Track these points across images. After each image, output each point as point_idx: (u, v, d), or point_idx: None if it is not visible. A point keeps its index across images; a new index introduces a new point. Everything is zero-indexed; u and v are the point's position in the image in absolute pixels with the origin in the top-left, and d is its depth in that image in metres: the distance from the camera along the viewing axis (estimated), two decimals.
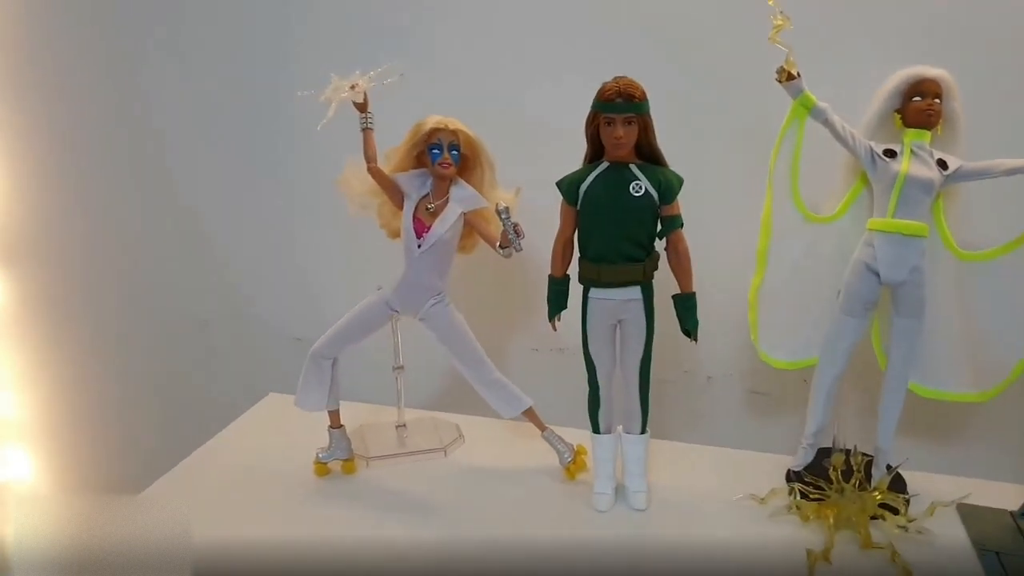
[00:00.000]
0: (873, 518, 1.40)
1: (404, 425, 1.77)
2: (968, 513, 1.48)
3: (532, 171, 1.51)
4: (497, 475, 1.64)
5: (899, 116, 1.45)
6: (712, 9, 1.65)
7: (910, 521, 1.39)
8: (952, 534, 1.43)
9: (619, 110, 1.33)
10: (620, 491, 1.54)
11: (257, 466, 1.66)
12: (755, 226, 1.53)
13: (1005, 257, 1.45)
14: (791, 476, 1.58)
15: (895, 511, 1.41)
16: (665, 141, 1.41)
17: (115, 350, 2.36)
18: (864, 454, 1.49)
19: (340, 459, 1.64)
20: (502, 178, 1.58)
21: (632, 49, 1.69)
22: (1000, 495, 1.51)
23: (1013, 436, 1.70)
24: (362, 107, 1.46)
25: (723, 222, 1.69)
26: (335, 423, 1.64)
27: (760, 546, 1.40)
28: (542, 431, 1.63)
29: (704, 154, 1.69)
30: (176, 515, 1.30)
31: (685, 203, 1.43)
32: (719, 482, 1.60)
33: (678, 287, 1.45)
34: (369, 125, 1.48)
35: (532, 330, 1.95)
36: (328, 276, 2.08)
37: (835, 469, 1.43)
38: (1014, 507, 1.49)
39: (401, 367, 1.73)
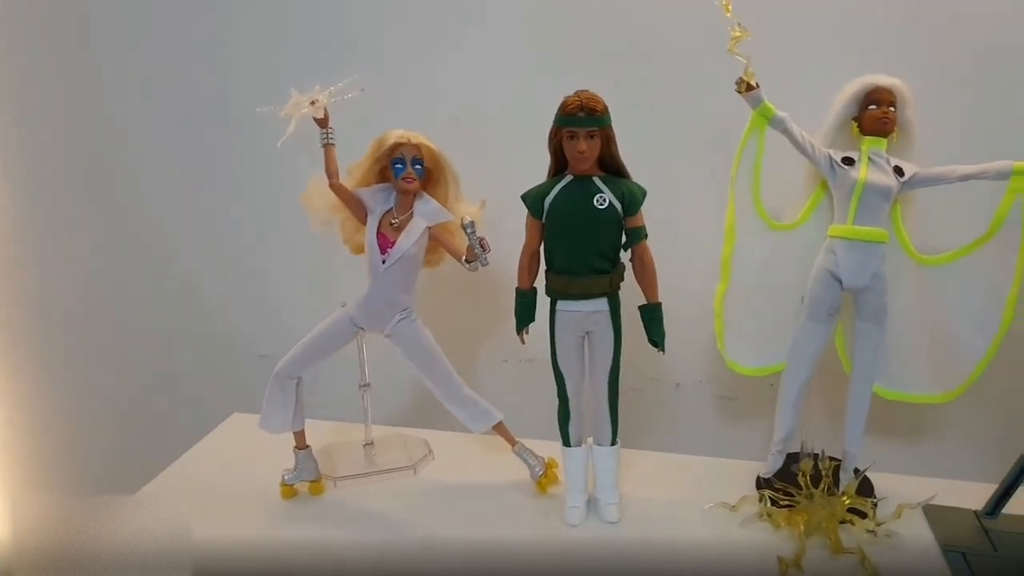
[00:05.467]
0: (842, 522, 1.41)
1: (372, 443, 1.74)
2: (934, 514, 1.50)
3: (500, 183, 1.51)
4: (468, 491, 1.62)
5: (856, 124, 1.47)
6: (673, 21, 1.66)
7: (878, 525, 1.40)
8: (919, 535, 1.45)
9: (581, 124, 1.33)
10: (593, 503, 1.54)
11: (221, 489, 1.62)
12: (720, 235, 1.54)
13: (962, 260, 1.48)
14: (761, 483, 1.59)
15: (864, 515, 1.42)
16: (630, 153, 1.42)
17: (76, 369, 2.29)
18: (832, 458, 1.50)
19: (307, 480, 1.61)
20: (468, 191, 1.57)
21: (597, 61, 1.69)
22: (966, 494, 1.53)
23: (976, 435, 1.73)
24: (323, 123, 1.44)
25: (690, 231, 1.70)
26: (301, 444, 1.60)
27: (732, 555, 1.41)
28: (512, 445, 1.62)
29: (670, 165, 1.69)
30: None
31: (652, 214, 1.43)
32: (690, 490, 1.60)
33: (644, 298, 1.45)
34: (330, 141, 1.46)
35: (501, 342, 1.94)
36: (293, 293, 2.04)
37: (804, 475, 1.44)
38: (979, 506, 1.51)
39: (367, 385, 1.71)
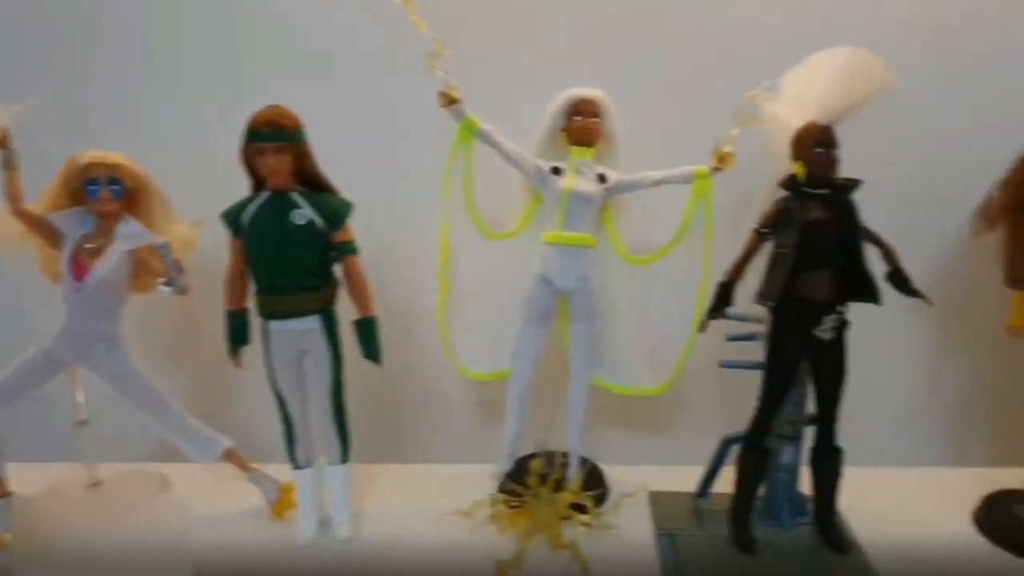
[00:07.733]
0: (567, 519, 1.46)
1: (100, 483, 1.63)
2: (657, 500, 1.59)
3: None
4: (206, 523, 1.54)
5: (565, 134, 1.53)
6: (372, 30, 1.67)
7: (596, 518, 1.46)
8: (641, 523, 1.53)
9: (268, 139, 1.31)
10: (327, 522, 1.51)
11: None
12: None
13: (663, 260, 1.57)
14: (500, 486, 1.62)
15: (585, 510, 1.47)
16: (358, 164, 1.43)
17: None
18: (564, 454, 1.55)
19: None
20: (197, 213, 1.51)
21: (308, 69, 1.67)
22: (692, 479, 1.62)
23: (703, 422, 1.83)
24: (2, 143, 1.35)
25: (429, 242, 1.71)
26: (2, 491, 1.48)
27: (459, 561, 1.43)
28: (246, 472, 1.57)
29: (405, 176, 1.70)
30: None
31: (398, 226, 1.45)
32: (438, 500, 1.61)
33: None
34: (12, 163, 1.36)
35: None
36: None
37: (533, 474, 1.48)
38: None
39: (84, 422, 1.60)
